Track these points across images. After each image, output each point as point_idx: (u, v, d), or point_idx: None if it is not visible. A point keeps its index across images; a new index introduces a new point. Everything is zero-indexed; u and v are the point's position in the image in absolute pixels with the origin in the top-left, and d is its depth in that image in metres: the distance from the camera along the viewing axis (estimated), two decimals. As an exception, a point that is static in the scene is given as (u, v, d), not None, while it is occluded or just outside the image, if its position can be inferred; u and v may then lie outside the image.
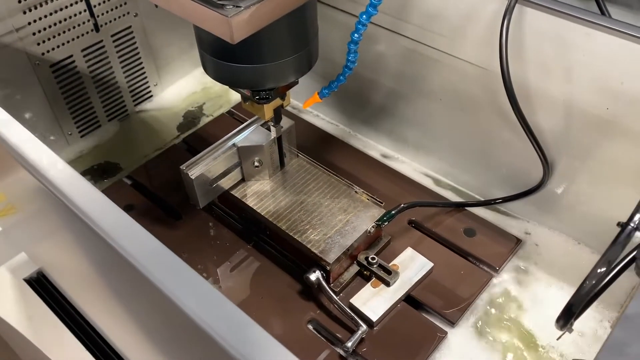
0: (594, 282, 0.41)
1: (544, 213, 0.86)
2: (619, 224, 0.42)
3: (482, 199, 0.91)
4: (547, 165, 0.79)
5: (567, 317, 0.43)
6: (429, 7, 0.80)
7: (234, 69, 0.66)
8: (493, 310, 0.78)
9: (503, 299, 0.79)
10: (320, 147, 1.00)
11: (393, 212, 0.80)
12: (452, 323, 0.76)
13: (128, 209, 0.90)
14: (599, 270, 0.41)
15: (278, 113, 0.78)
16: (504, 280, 0.81)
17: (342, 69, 0.73)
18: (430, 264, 0.81)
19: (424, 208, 0.88)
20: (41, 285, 0.89)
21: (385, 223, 0.80)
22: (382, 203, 0.81)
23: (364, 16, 0.66)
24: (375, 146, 1.02)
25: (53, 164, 0.51)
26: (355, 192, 0.83)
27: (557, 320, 0.44)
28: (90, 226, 0.46)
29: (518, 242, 0.85)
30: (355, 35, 0.69)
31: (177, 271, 0.42)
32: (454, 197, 0.93)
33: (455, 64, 0.82)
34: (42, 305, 0.86)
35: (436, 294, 0.79)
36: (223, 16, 0.53)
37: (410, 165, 0.98)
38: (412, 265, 0.80)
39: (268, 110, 0.76)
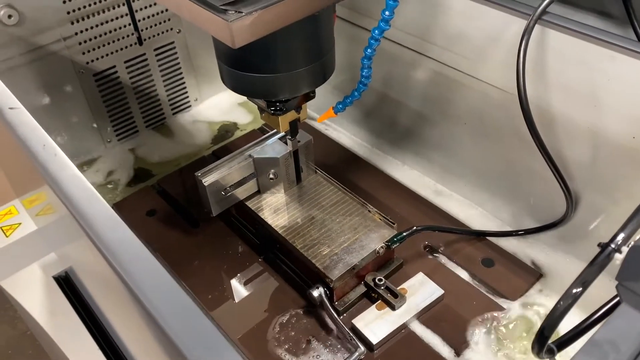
0: (569, 302, 0.38)
1: (567, 246, 0.81)
2: (599, 245, 0.39)
3: (507, 227, 0.87)
4: (570, 198, 0.75)
5: (541, 342, 0.40)
6: (452, 28, 0.79)
7: (247, 79, 0.68)
8: (503, 344, 0.73)
9: (515, 333, 0.74)
10: (342, 165, 1.00)
11: (404, 234, 0.78)
12: (457, 354, 0.72)
13: (150, 214, 0.93)
14: (573, 291, 0.38)
15: (294, 126, 0.78)
16: (518, 314, 0.77)
17: (357, 85, 0.73)
18: (441, 291, 0.77)
19: (441, 234, 0.85)
20: (68, 284, 0.93)
21: (396, 244, 0.77)
22: (394, 224, 0.79)
23: (376, 31, 0.66)
24: (399, 167, 1.00)
25: (68, 177, 0.53)
26: (369, 211, 0.82)
27: (532, 347, 0.41)
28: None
29: (539, 276, 0.80)
30: (368, 50, 0.69)
31: (164, 287, 0.44)
32: (477, 224, 0.89)
33: (478, 87, 0.80)
34: (66, 303, 0.89)
35: (444, 322, 0.75)
36: (224, 21, 0.55)
37: (434, 188, 0.96)
38: (421, 291, 0.78)
39: (283, 122, 0.76)
